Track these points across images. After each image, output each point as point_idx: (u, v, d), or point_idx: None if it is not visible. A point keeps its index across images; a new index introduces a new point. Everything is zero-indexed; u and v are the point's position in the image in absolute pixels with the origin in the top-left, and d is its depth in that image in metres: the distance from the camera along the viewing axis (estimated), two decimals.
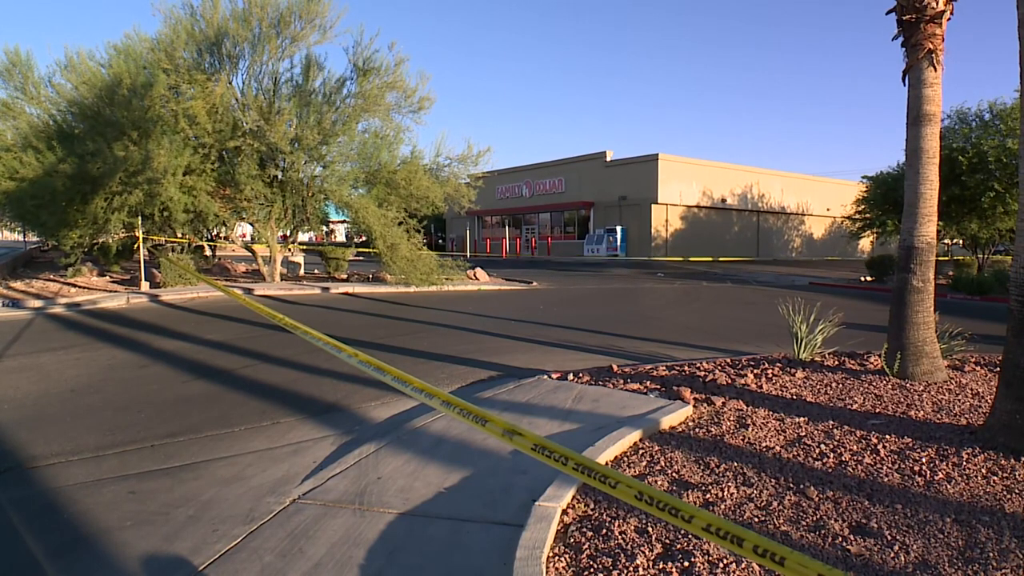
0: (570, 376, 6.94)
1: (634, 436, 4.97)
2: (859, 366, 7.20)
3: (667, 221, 40.67)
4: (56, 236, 15.87)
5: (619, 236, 40.12)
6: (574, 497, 3.98)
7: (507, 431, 2.53)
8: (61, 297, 13.49)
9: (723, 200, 42.97)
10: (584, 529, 3.57)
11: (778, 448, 4.71)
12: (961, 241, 26.30)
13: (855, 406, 5.74)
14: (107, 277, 17.49)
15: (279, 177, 16.88)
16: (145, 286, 15.38)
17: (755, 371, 6.92)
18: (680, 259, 36.09)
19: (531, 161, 55.81)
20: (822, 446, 4.75)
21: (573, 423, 5.44)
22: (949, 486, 4.06)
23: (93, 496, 4.21)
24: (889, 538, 3.42)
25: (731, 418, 5.38)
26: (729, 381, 6.53)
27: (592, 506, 3.85)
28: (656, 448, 4.81)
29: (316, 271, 21.32)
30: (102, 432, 5.50)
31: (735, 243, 43.86)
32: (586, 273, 26.22)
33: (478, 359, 8.28)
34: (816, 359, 7.59)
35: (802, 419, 5.37)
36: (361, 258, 27.03)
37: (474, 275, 20.29)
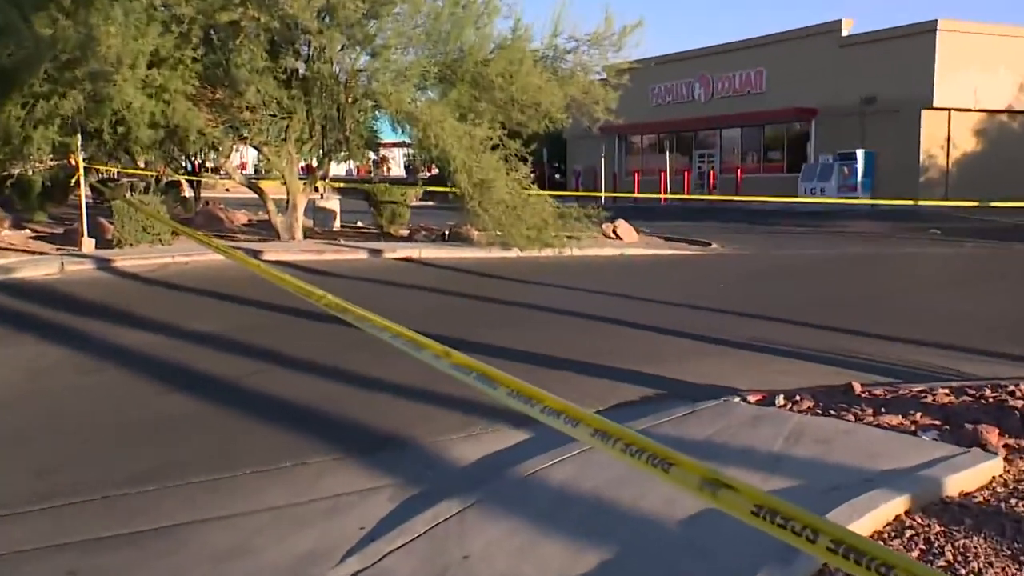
0: (779, 399, 5.92)
1: (895, 505, 3.90)
2: None
3: (949, 139, 30.74)
4: None
5: (861, 166, 31.08)
6: None
7: (708, 481, 1.80)
8: None
9: None
10: None
11: None
12: None
13: None
14: (27, 231, 15.62)
15: (301, 72, 14.29)
16: (89, 245, 13.22)
17: None
18: (973, 203, 24.95)
19: (709, 43, 45.06)
20: None
21: (785, 478, 4.39)
22: None
23: None
24: None
25: None
26: None
27: None
28: (937, 528, 3.70)
29: (359, 223, 19.31)
30: (26, 474, 4.73)
31: None
32: (803, 228, 23.30)
33: (621, 367, 7.16)
34: None
35: None
36: (431, 203, 24.45)
37: (614, 231, 17.50)
